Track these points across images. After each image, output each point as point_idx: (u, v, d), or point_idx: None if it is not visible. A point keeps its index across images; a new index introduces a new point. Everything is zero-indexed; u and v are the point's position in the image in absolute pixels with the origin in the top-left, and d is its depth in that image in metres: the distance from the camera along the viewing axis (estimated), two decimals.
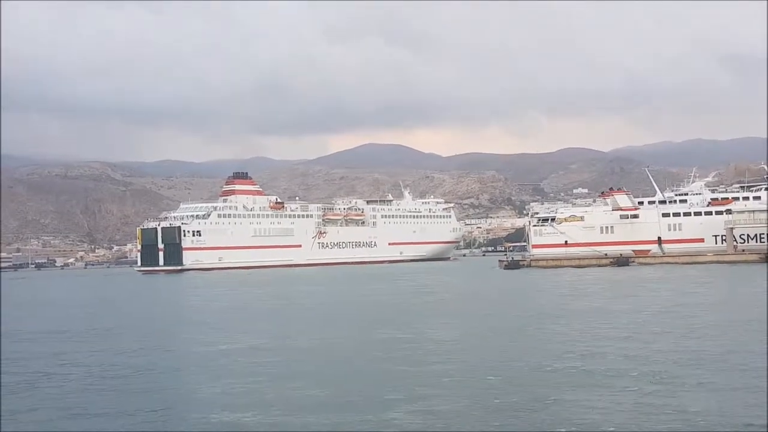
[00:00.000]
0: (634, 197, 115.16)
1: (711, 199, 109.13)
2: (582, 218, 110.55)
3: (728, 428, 14.78)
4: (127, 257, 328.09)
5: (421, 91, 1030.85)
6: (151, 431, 16.35)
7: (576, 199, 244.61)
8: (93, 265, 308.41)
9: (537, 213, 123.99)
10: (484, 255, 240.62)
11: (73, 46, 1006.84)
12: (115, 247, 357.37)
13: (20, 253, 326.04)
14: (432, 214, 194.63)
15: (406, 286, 71.60)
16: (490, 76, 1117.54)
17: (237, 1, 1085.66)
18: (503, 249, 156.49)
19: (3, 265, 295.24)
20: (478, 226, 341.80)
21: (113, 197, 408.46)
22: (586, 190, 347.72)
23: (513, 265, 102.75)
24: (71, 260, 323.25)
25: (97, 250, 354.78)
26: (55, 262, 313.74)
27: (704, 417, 15.57)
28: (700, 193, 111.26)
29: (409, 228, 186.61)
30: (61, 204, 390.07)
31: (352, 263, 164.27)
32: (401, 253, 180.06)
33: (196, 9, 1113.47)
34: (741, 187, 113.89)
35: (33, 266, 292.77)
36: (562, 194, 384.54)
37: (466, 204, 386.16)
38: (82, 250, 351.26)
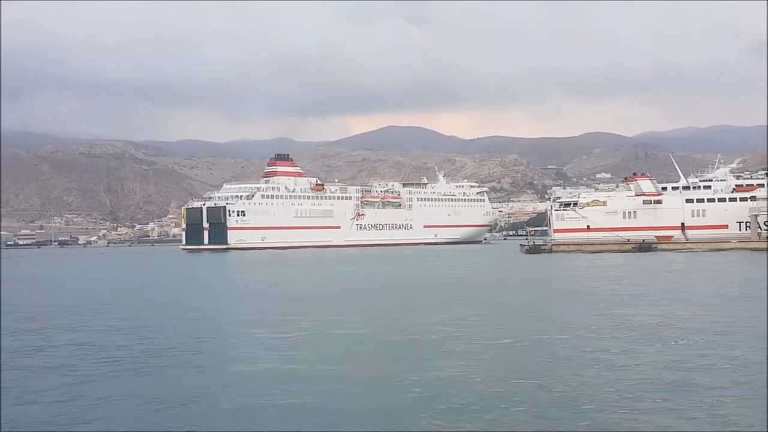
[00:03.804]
0: (658, 183, 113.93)
1: (735, 185, 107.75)
2: (605, 203, 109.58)
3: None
4: (148, 236, 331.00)
5: (444, 73, 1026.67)
6: None
7: (599, 184, 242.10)
8: (115, 243, 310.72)
9: (559, 197, 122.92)
10: (505, 239, 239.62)
11: (100, 25, 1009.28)
12: (137, 226, 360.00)
13: (43, 231, 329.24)
14: (466, 197, 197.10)
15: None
16: (514, 59, 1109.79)
17: None
18: (524, 233, 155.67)
19: (26, 242, 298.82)
20: (500, 210, 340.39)
21: (136, 176, 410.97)
22: (609, 175, 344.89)
23: (534, 250, 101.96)
24: (93, 238, 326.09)
25: (119, 229, 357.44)
26: (78, 240, 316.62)
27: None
28: (724, 180, 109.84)
29: (444, 211, 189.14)
30: (84, 182, 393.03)
31: (389, 245, 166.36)
32: (436, 235, 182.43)
33: None
34: (766, 173, 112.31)
35: (56, 243, 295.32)
36: (585, 179, 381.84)
37: (487, 188, 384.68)
38: (104, 228, 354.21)
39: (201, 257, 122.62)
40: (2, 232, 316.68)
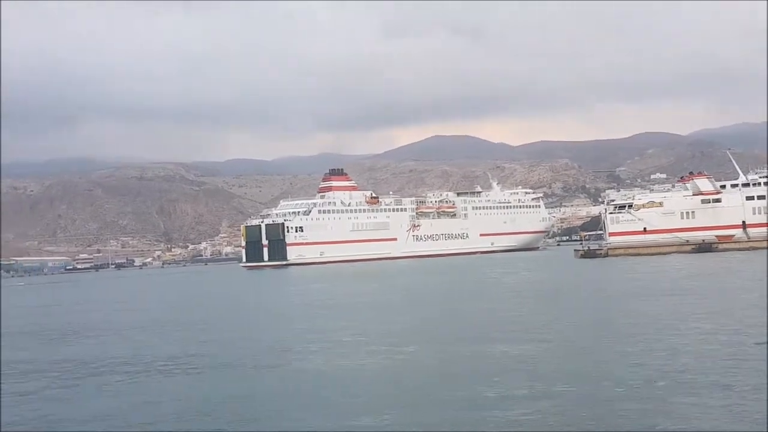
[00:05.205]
0: (716, 181, 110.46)
1: None
2: (661, 204, 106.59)
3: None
4: (201, 255, 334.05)
5: (490, 81, 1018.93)
6: None
7: (654, 184, 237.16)
8: (169, 264, 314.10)
9: (613, 200, 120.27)
10: (558, 245, 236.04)
11: (147, 51, 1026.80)
12: (190, 246, 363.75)
13: (100, 254, 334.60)
14: (521, 204, 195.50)
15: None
16: (562, 64, 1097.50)
17: (300, 2, 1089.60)
18: (578, 238, 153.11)
19: (84, 266, 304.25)
20: (552, 215, 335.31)
21: (187, 197, 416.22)
22: (664, 176, 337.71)
23: (589, 254, 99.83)
24: (149, 260, 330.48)
25: (173, 249, 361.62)
26: (134, 261, 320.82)
27: None
28: None
29: (500, 219, 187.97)
30: (137, 205, 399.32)
31: (446, 255, 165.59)
32: (492, 243, 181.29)
33: (260, 11, 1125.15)
34: None
35: (113, 266, 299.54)
36: (639, 180, 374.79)
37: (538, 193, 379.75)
38: (158, 250, 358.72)
39: (271, 274, 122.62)
40: (62, 258, 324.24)
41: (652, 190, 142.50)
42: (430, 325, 33.41)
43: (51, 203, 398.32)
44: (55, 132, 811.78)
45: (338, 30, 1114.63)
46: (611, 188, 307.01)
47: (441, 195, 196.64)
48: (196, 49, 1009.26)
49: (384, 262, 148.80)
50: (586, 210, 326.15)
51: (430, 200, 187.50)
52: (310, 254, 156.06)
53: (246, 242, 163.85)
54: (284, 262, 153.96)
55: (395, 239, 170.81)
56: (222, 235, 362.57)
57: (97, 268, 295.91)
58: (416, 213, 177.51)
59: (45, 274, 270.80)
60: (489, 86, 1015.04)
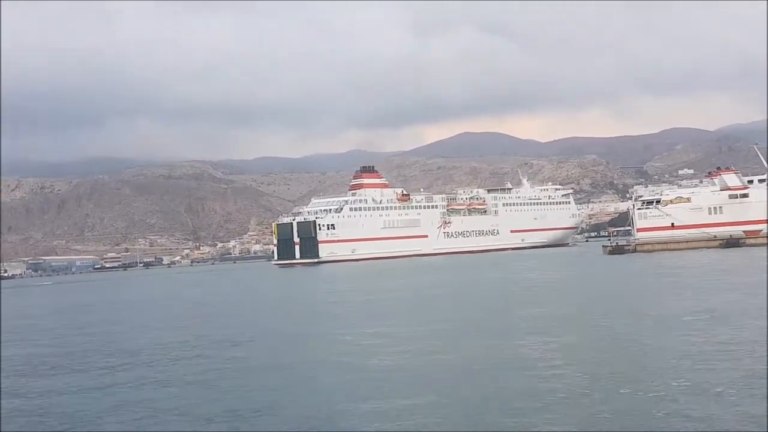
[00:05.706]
0: (744, 176, 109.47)
1: None
2: (689, 199, 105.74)
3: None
4: (230, 253, 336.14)
5: (518, 77, 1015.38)
6: None
7: (682, 180, 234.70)
8: (198, 262, 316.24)
9: (641, 196, 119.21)
10: (587, 241, 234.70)
11: (173, 51, 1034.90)
12: (219, 244, 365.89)
13: (129, 253, 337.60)
14: (551, 200, 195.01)
15: None
16: (589, 58, 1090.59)
17: (331, 1, 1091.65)
18: (607, 234, 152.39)
19: (112, 264, 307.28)
20: (581, 211, 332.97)
21: (215, 195, 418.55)
22: (692, 171, 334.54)
23: (617, 250, 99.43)
24: (177, 258, 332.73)
25: (201, 248, 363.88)
26: (162, 260, 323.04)
27: None
28: None
29: (530, 215, 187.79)
30: (165, 203, 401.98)
31: (477, 251, 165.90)
32: (523, 240, 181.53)
33: (290, 11, 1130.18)
34: None
35: (141, 265, 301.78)
36: (667, 176, 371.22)
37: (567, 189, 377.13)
38: (187, 248, 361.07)
39: (304, 271, 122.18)
40: (89, 257, 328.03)
41: (679, 186, 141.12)
42: (470, 322, 32.66)
43: (79, 202, 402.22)
44: (82, 131, 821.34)
45: (369, 29, 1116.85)
46: (639, 184, 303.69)
47: (471, 192, 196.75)
48: (223, 49, 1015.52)
49: (416, 258, 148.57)
50: (614, 206, 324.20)
51: (460, 197, 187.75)
52: (341, 251, 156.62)
53: (278, 240, 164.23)
54: (316, 260, 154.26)
55: (426, 236, 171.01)
56: (251, 233, 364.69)
57: (125, 266, 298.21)
58: (447, 210, 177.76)
59: (73, 273, 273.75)
60: (517, 83, 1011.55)
